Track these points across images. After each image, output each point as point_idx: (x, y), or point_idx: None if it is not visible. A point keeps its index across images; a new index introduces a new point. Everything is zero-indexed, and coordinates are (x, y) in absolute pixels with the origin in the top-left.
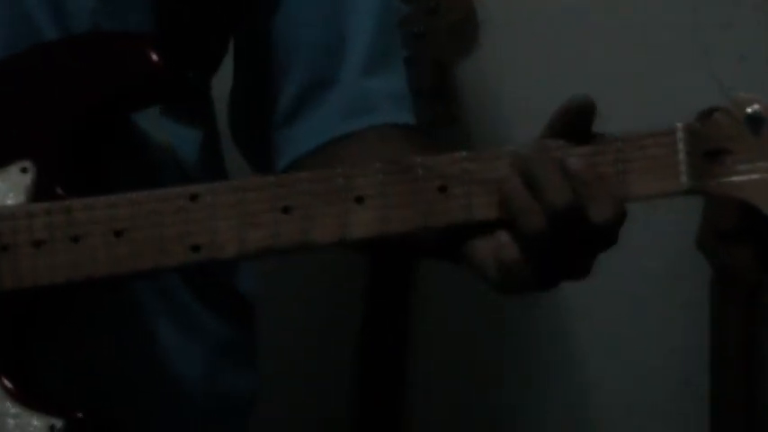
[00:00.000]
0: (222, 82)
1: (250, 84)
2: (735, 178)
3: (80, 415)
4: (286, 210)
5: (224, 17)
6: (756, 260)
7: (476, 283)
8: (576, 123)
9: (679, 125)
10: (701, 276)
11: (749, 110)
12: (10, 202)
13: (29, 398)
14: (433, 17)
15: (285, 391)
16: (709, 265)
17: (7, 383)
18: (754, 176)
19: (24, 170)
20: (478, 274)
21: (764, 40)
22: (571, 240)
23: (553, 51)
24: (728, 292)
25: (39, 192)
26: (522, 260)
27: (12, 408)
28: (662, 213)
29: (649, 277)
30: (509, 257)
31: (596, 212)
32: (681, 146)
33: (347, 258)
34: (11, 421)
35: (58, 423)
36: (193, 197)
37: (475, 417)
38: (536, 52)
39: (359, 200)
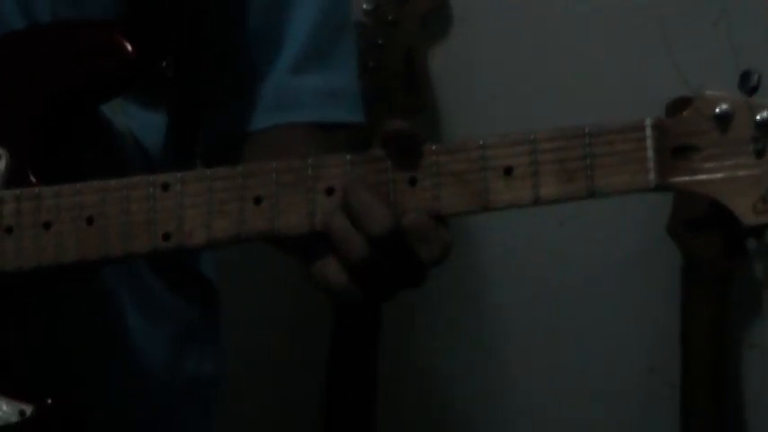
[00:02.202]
0: None
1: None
2: (702, 176)
3: (50, 401)
4: (254, 199)
5: (191, 3)
6: (724, 249)
7: (446, 277)
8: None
9: (647, 121)
10: (672, 262)
11: (717, 109)
12: None
13: None
14: (404, 5)
15: (255, 381)
16: (680, 252)
17: None
18: (720, 174)
19: None
20: (315, 280)
21: (725, 32)
22: (399, 260)
23: (525, 39)
24: (697, 279)
25: (12, 178)
26: (349, 284)
27: None
28: (633, 198)
29: (619, 263)
30: (336, 283)
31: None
32: (649, 142)
33: None
34: None
35: (28, 409)
36: (165, 186)
37: (445, 405)
38: (508, 41)
39: (329, 191)
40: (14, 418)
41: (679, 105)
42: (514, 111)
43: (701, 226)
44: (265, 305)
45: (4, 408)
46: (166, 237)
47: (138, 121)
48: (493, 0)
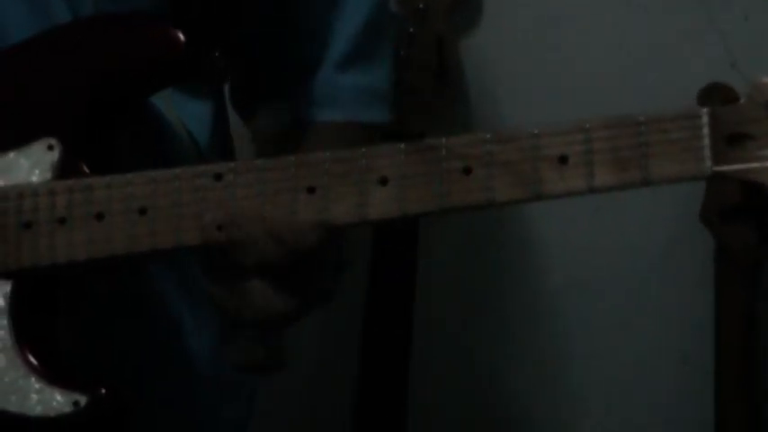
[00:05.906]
0: None
1: (247, 54)
2: (757, 164)
3: (103, 391)
4: (308, 189)
5: None
6: (757, 236)
7: (478, 267)
8: None
9: (704, 109)
10: (705, 250)
11: None
12: (35, 179)
13: (52, 374)
14: None
15: (290, 380)
16: (713, 240)
17: (31, 359)
18: None
19: (50, 147)
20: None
21: None
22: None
23: (560, 25)
24: (730, 266)
25: (64, 169)
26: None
27: (35, 383)
28: (667, 186)
29: (653, 251)
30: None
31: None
32: (705, 130)
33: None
34: (34, 396)
35: (82, 399)
36: (217, 176)
37: (476, 394)
38: (539, 29)
39: (382, 181)
40: (68, 409)
41: (711, 92)
42: (549, 100)
43: (735, 213)
44: None
45: (58, 398)
46: (218, 228)
47: (187, 110)
48: None
